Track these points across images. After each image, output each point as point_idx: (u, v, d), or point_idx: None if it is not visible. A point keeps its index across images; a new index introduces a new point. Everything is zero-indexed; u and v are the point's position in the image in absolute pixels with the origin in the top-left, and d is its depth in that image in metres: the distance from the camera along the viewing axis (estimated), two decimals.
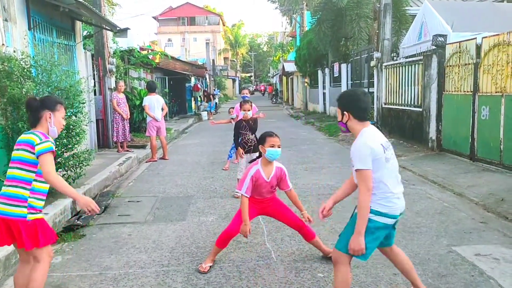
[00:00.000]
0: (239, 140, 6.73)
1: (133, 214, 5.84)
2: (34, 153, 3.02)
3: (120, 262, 4.22)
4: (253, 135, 6.75)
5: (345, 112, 3.03)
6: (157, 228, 5.22)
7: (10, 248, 4.13)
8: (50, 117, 3.16)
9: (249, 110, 6.69)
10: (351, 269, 3.10)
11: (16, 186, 3.03)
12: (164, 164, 9.63)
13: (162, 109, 9.98)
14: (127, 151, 10.51)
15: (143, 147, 11.31)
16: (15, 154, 3.10)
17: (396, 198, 2.96)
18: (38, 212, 3.09)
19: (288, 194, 4.15)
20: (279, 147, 3.93)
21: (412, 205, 5.90)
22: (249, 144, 6.68)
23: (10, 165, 3.13)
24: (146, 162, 9.93)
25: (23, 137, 3.13)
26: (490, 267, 3.89)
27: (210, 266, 3.99)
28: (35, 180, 3.06)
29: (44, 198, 3.17)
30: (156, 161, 9.93)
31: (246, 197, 3.89)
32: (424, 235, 4.77)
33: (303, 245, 4.48)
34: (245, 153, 6.69)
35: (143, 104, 10.15)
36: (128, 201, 6.51)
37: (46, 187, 3.13)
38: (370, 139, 2.92)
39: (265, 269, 3.97)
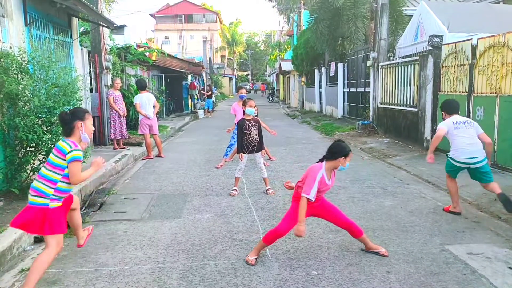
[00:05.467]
0: (243, 140, 6.61)
1: (129, 211, 5.86)
2: (64, 160, 3.51)
3: (115, 259, 4.24)
4: (257, 135, 6.66)
5: None
6: (153, 225, 5.24)
7: (6, 244, 4.15)
8: (81, 126, 3.63)
9: (254, 107, 6.69)
10: None
11: (43, 183, 3.50)
12: (160, 161, 9.65)
13: (154, 107, 9.97)
14: (123, 148, 10.53)
15: (139, 144, 11.32)
16: (50, 157, 3.59)
17: None
18: (58, 202, 3.55)
19: None
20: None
21: (406, 204, 5.97)
22: (252, 144, 6.63)
23: (44, 165, 3.64)
24: (143, 159, 9.94)
25: (59, 143, 3.61)
26: (482, 265, 3.94)
27: (256, 258, 4.10)
28: (61, 181, 3.53)
29: (67, 195, 3.64)
30: (152, 158, 9.95)
31: (310, 200, 3.94)
32: (417, 233, 4.82)
33: (297, 243, 4.52)
34: (248, 153, 6.66)
35: (134, 103, 10.09)
36: (124, 198, 6.52)
37: (70, 186, 3.62)
38: None
39: (260, 267, 4.00)
